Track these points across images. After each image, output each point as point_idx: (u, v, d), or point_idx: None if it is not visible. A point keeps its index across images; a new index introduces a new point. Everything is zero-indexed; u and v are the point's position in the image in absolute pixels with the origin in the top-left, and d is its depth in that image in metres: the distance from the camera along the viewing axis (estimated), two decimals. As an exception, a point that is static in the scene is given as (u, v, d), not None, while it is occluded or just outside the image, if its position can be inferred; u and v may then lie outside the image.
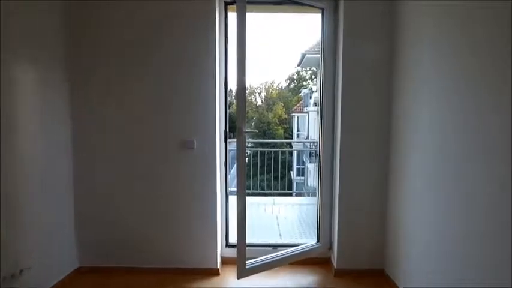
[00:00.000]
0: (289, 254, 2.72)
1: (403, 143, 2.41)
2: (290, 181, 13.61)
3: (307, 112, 15.78)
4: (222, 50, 2.72)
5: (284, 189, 9.24)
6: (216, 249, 2.73)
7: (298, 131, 18.35)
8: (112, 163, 2.67)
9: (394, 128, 2.55)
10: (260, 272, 2.56)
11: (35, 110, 2.29)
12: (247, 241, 2.46)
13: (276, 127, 21.72)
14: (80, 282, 2.59)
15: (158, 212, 2.70)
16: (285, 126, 22.07)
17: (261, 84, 25.68)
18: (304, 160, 13.50)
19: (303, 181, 14.08)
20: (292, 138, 19.17)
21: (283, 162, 6.50)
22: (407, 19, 2.35)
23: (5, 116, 2.00)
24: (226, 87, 2.78)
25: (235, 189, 2.40)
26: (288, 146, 16.22)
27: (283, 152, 10.19)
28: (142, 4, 2.54)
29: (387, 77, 2.57)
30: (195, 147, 2.62)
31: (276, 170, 6.28)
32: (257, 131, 12.41)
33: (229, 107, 2.88)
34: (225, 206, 2.89)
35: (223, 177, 2.84)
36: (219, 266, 2.76)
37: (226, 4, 2.71)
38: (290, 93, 24.71)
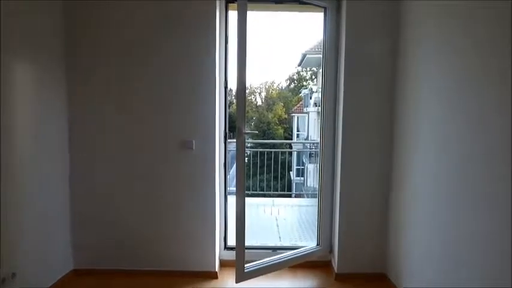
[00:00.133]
0: (289, 258, 2.68)
1: (405, 144, 2.38)
2: (290, 181, 13.58)
3: (307, 112, 15.75)
4: (222, 49, 2.67)
5: (284, 190, 9.20)
6: (215, 252, 2.68)
7: (298, 131, 18.33)
8: (110, 163, 2.62)
9: (396, 128, 2.52)
10: (259, 275, 2.51)
11: (32, 109, 2.25)
12: (246, 243, 2.41)
13: (275, 127, 21.70)
14: (75, 285, 2.54)
15: (155, 213, 2.65)
16: (285, 126, 22.05)
17: (261, 84, 25.67)
18: (304, 161, 13.47)
19: (302, 182, 14.06)
20: (292, 139, 19.15)
21: (282, 163, 6.47)
22: (409, 19, 2.33)
23: (2, 115, 1.96)
24: (226, 87, 2.74)
25: (234, 189, 2.35)
26: (288, 146, 16.18)
27: (283, 152, 10.17)
28: (142, 4, 2.50)
29: (389, 76, 2.53)
30: (194, 147, 2.58)
31: (275, 170, 6.24)
32: (257, 132, 12.40)
33: (229, 106, 2.84)
34: (224, 208, 2.85)
35: (222, 178, 2.79)
36: (217, 269, 2.71)
37: (227, 2, 2.67)
38: (290, 93, 24.69)
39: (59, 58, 2.47)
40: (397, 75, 2.49)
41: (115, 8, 2.51)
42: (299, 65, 16.42)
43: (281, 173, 6.90)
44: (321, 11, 2.65)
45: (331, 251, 2.85)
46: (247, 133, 2.40)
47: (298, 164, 14.38)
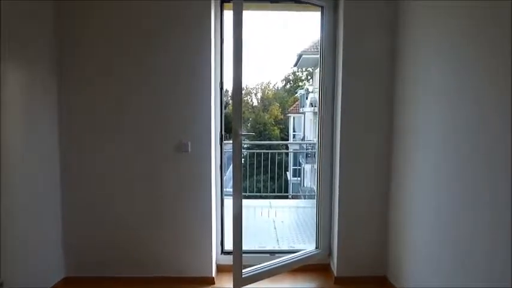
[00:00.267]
0: (288, 262, 2.63)
1: (405, 144, 2.35)
2: (286, 182, 13.55)
3: (304, 113, 15.75)
4: (217, 49, 2.62)
5: (280, 191, 9.17)
6: (211, 257, 2.63)
7: (294, 131, 18.31)
8: (102, 167, 2.55)
9: (395, 128, 2.49)
10: (257, 281, 2.46)
11: (22, 113, 2.17)
12: (244, 247, 2.36)
13: (272, 128, 21.67)
14: (67, 292, 2.47)
15: (150, 218, 2.59)
16: (281, 126, 22.03)
17: (257, 85, 25.63)
18: (301, 161, 13.45)
19: (299, 182, 14.04)
20: (288, 139, 19.12)
21: (279, 163, 6.44)
22: (408, 18, 2.30)
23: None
24: (221, 88, 2.68)
25: (230, 190, 2.29)
26: (284, 147, 16.16)
27: (279, 153, 10.12)
28: (135, 4, 2.44)
29: (388, 76, 2.50)
30: (190, 149, 2.52)
31: (272, 171, 6.21)
32: (254, 133, 12.35)
33: (225, 107, 2.78)
34: (220, 211, 2.79)
35: (218, 180, 2.74)
36: (214, 274, 2.66)
37: (222, 2, 2.62)
38: (286, 93, 24.69)
39: (51, 58, 2.41)
40: (396, 75, 2.46)
41: (108, 8, 2.45)
42: (295, 66, 16.40)
43: (277, 173, 6.88)
44: (318, 10, 2.61)
45: (330, 254, 2.81)
46: (244, 135, 2.35)
47: (294, 165, 14.36)
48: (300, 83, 23.29)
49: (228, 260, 2.63)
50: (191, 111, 2.51)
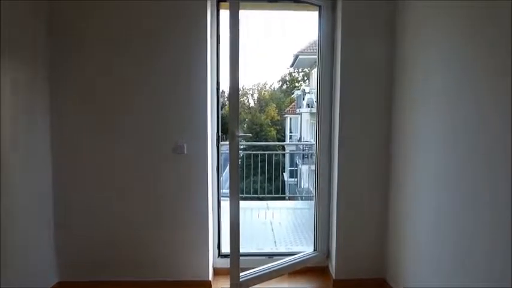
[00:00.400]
0: (286, 265, 2.59)
1: (404, 145, 2.33)
2: (283, 183, 13.54)
3: (300, 113, 15.76)
4: (213, 49, 2.58)
5: (277, 192, 9.14)
6: (208, 260, 2.58)
7: (291, 132, 18.33)
8: (97, 169, 2.50)
9: (394, 129, 2.47)
10: (255, 284, 2.42)
11: (14, 113, 2.11)
12: (241, 250, 2.32)
13: (268, 128, 21.66)
14: (61, 297, 2.42)
15: (145, 221, 2.54)
16: (278, 127, 22.04)
17: (254, 86, 25.65)
18: (297, 162, 13.45)
19: (295, 183, 14.04)
20: (284, 140, 19.14)
21: (276, 164, 6.43)
22: (407, 18, 2.28)
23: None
24: (218, 88, 2.64)
25: (227, 191, 2.26)
26: (281, 148, 16.15)
27: (276, 154, 10.10)
28: (130, 4, 2.39)
29: (387, 76, 2.47)
30: (186, 151, 2.48)
31: (268, 172, 6.18)
32: (251, 134, 12.30)
33: (221, 108, 2.74)
34: (217, 214, 2.75)
35: (215, 182, 2.69)
36: (211, 278, 2.61)
37: (219, 1, 2.58)
38: (282, 94, 24.72)
39: (44, 58, 2.36)
40: (395, 75, 2.43)
41: (102, 8, 2.39)
42: (291, 66, 16.43)
43: (274, 174, 6.86)
44: (316, 10, 2.58)
45: (328, 256, 2.78)
46: (241, 136, 2.31)
47: (291, 166, 14.37)
48: (297, 84, 23.33)
49: (225, 263, 2.60)
50: (187, 112, 2.47)
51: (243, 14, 2.20)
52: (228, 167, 2.27)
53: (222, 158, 2.86)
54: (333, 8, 2.56)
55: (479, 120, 1.57)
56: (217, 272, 2.74)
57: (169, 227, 2.54)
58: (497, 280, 1.44)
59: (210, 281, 2.58)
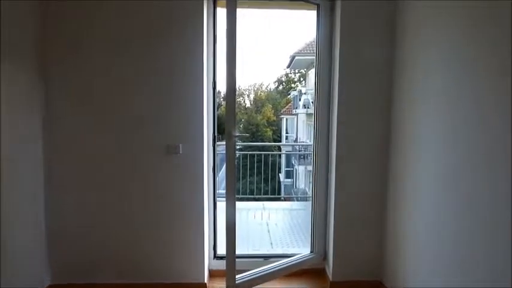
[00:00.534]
0: (282, 267, 2.56)
1: (403, 146, 2.31)
2: (279, 183, 13.52)
3: (296, 114, 15.75)
4: (210, 48, 2.54)
5: (273, 193, 9.12)
6: (203, 262, 2.54)
7: (287, 133, 18.31)
8: (88, 171, 2.45)
9: (393, 130, 2.45)
10: (251, 286, 2.39)
11: (4, 112, 2.05)
12: (237, 251, 2.28)
13: (264, 129, 21.64)
14: (52, 301, 2.36)
15: (139, 222, 2.49)
16: (274, 128, 22.02)
17: (250, 86, 25.60)
18: (293, 162, 13.43)
19: (291, 183, 14.03)
20: (280, 140, 19.12)
21: (272, 165, 6.40)
22: (407, 18, 2.26)
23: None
24: (214, 88, 2.60)
25: (223, 191, 2.22)
26: (277, 148, 16.13)
27: (272, 154, 10.08)
28: (124, 2, 2.34)
29: (387, 76, 2.45)
30: (182, 151, 2.43)
31: (265, 172, 6.16)
32: (248, 134, 12.28)
33: (217, 108, 2.70)
34: (212, 215, 2.71)
35: (210, 183, 2.65)
36: (206, 280, 2.57)
37: (215, -2, 2.54)
38: (279, 95, 24.71)
39: (39, 58, 2.31)
40: (395, 75, 2.41)
41: (97, 7, 2.34)
42: (288, 67, 16.41)
43: (270, 175, 6.84)
44: (314, 9, 2.55)
45: (325, 258, 2.75)
46: (238, 136, 2.27)
47: (287, 166, 14.35)
48: (293, 85, 23.34)
49: (221, 265, 2.56)
50: (183, 112, 2.43)
51: (239, 13, 2.16)
52: (224, 167, 2.23)
53: (218, 158, 2.82)
54: (332, 7, 2.53)
55: (479, 120, 1.56)
56: (212, 274, 2.70)
57: (164, 228, 2.49)
58: (497, 281, 1.43)
59: (205, 284, 2.54)
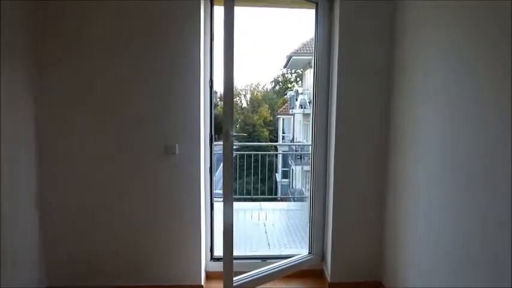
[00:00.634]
0: (280, 268, 2.53)
1: (403, 146, 2.29)
2: (276, 184, 13.52)
3: (293, 114, 15.76)
4: (207, 47, 2.51)
5: (270, 193, 9.10)
6: (200, 263, 2.51)
7: (283, 133, 18.32)
8: (83, 172, 2.40)
9: (393, 130, 2.43)
10: (249, 288, 2.36)
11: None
12: (234, 253, 2.25)
13: (261, 129, 21.64)
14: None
15: (135, 223, 2.45)
16: (270, 128, 22.04)
17: (246, 86, 25.59)
18: (290, 162, 13.43)
19: (287, 183, 14.03)
20: (277, 140, 19.13)
21: (268, 165, 6.39)
22: (406, 18, 2.24)
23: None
24: (211, 87, 2.57)
25: (220, 191, 2.19)
26: (273, 148, 16.13)
27: (269, 155, 10.06)
28: (123, 4, 2.30)
29: (386, 77, 2.43)
30: (178, 151, 2.40)
31: (261, 172, 6.14)
32: (245, 134, 12.26)
33: (214, 108, 2.67)
34: (209, 216, 2.67)
35: (207, 184, 2.62)
36: (203, 282, 2.54)
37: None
38: (275, 95, 24.73)
39: (36, 58, 2.26)
40: (394, 75, 2.39)
41: (90, 6, 2.29)
42: (285, 67, 16.42)
43: (267, 175, 6.82)
44: (313, 7, 2.53)
45: (323, 259, 2.72)
46: (235, 135, 2.24)
47: (284, 166, 14.35)
48: (289, 85, 23.36)
49: (218, 266, 2.52)
50: (180, 111, 2.38)
51: (236, 11, 2.13)
52: (220, 167, 2.20)
53: (214, 158, 2.78)
54: (331, 6, 2.51)
55: (479, 120, 1.55)
56: (209, 276, 2.66)
57: (160, 229, 2.45)
58: (497, 281, 1.43)
59: (202, 286, 2.50)
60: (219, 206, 2.27)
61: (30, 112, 2.30)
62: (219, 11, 2.42)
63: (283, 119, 18.35)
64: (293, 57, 13.97)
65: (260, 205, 5.44)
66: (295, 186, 12.60)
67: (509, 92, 1.35)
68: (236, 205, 4.52)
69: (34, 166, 2.33)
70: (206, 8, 2.47)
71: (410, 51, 2.19)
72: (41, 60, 2.30)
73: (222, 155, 2.20)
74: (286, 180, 14.22)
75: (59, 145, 2.38)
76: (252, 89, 25.99)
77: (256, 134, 20.77)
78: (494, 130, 1.46)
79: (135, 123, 2.38)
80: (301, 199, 8.94)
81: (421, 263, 2.04)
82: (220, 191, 2.19)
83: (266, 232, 4.22)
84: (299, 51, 13.73)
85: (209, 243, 2.69)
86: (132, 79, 2.35)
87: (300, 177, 12.04)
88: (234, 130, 2.19)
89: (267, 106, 23.39)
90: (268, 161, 6.74)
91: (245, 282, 2.34)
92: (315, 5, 2.51)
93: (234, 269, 2.26)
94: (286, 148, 14.75)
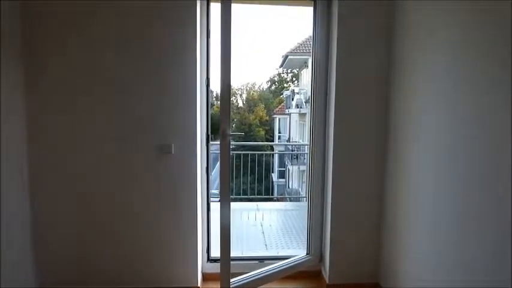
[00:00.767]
0: (278, 269, 2.50)
1: (402, 147, 2.27)
2: (272, 183, 13.49)
3: (289, 114, 15.75)
4: (203, 45, 2.47)
5: (267, 193, 9.08)
6: (197, 265, 2.46)
7: (279, 132, 18.31)
8: (77, 171, 2.35)
9: (391, 130, 2.40)
10: (246, 290, 2.32)
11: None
12: (231, 254, 2.22)
13: (257, 129, 21.63)
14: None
15: (130, 223, 2.40)
16: (266, 128, 22.04)
17: (242, 86, 25.59)
18: (286, 162, 13.42)
19: (284, 183, 14.02)
20: (273, 140, 19.12)
21: (265, 165, 6.36)
22: (406, 19, 2.22)
23: None
24: (208, 86, 2.53)
25: (216, 191, 2.14)
26: (270, 148, 16.11)
27: (265, 154, 10.03)
28: (117, 2, 2.25)
29: (385, 77, 2.41)
30: (174, 151, 2.35)
31: (258, 172, 6.10)
32: (243, 133, 12.22)
33: (210, 107, 2.63)
34: (206, 216, 2.63)
35: (204, 184, 2.57)
36: (199, 283, 2.50)
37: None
38: (271, 95, 24.73)
39: (28, 59, 2.22)
40: (393, 75, 2.37)
41: (84, 5, 2.23)
42: (281, 66, 16.40)
43: (263, 175, 6.79)
44: (311, 5, 2.49)
45: (321, 260, 2.70)
46: (232, 135, 2.20)
47: (280, 166, 14.33)
48: (286, 85, 23.36)
49: (215, 268, 2.50)
50: (175, 111, 2.34)
51: (232, 9, 2.09)
52: (216, 166, 2.16)
53: (211, 157, 2.74)
54: (329, 4, 2.47)
55: (479, 120, 1.53)
56: (206, 277, 2.63)
57: (155, 230, 2.41)
58: (497, 281, 1.42)
59: (198, 287, 2.46)
60: (215, 206, 2.22)
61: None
62: (215, 7, 2.38)
63: (279, 119, 18.34)
64: (289, 57, 13.96)
65: (257, 205, 5.40)
66: (292, 186, 12.59)
67: (509, 91, 1.34)
68: (232, 205, 4.49)
69: (30, 166, 2.28)
70: (202, 5, 2.43)
71: (410, 50, 2.17)
72: (39, 60, 2.25)
73: (217, 154, 2.16)
74: (283, 180, 14.22)
75: (55, 145, 2.32)
76: (248, 88, 25.99)
77: (252, 133, 20.76)
78: (493, 130, 1.45)
79: (130, 123, 2.33)
80: (297, 199, 8.92)
81: (420, 263, 2.02)
82: (216, 191, 2.14)
83: (263, 232, 4.18)
84: (295, 51, 13.73)
85: (206, 244, 2.65)
86: (129, 79, 2.30)
87: (296, 177, 12.03)
88: (230, 130, 2.15)
89: (263, 106, 23.39)
90: (265, 160, 6.70)
91: (242, 283, 2.31)
92: (313, 3, 2.48)
93: (231, 270, 2.22)
94: (283, 148, 14.74)
